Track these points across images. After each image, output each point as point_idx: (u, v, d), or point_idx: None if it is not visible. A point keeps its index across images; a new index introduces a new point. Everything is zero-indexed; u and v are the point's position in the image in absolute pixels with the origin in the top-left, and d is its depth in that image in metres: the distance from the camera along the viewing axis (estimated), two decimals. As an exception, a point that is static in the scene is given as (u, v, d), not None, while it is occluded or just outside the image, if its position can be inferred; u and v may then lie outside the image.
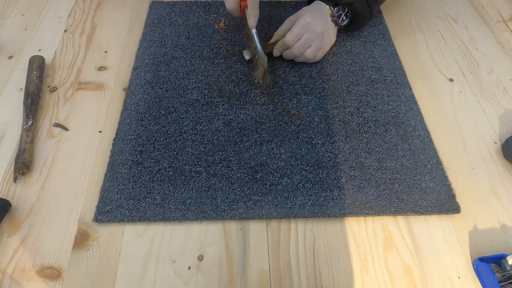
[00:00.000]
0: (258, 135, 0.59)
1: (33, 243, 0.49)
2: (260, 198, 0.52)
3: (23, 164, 0.54)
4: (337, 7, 0.67)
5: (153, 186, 0.53)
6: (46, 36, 0.74)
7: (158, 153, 0.57)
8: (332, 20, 0.67)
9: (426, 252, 0.49)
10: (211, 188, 0.53)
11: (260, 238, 0.50)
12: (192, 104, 0.62)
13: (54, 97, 0.64)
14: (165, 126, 0.60)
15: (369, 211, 0.51)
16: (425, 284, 0.46)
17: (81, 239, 0.49)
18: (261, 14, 0.62)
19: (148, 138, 0.58)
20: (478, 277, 0.47)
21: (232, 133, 0.59)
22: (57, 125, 0.61)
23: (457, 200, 0.52)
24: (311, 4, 0.68)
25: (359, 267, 0.48)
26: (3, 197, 0.51)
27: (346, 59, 0.69)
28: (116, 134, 0.59)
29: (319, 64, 0.68)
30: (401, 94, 0.64)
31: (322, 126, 0.60)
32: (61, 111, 0.62)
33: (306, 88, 0.65)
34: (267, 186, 0.53)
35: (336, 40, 0.70)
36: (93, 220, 0.50)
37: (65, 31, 0.75)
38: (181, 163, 0.55)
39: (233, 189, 0.53)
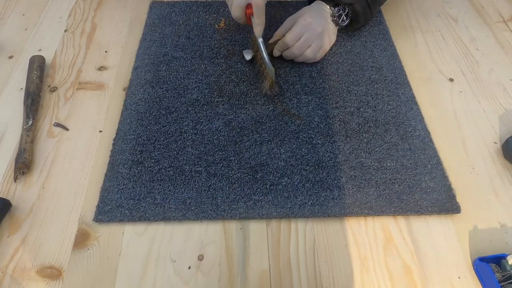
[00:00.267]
0: (258, 135, 0.59)
1: (33, 243, 0.49)
2: (260, 198, 0.52)
3: (24, 164, 0.54)
4: (337, 7, 0.67)
5: (153, 186, 0.53)
6: (46, 36, 0.74)
7: (158, 152, 0.57)
8: (332, 20, 0.67)
9: (426, 252, 0.49)
10: (211, 188, 0.53)
11: (260, 238, 0.50)
12: (192, 104, 0.62)
13: (55, 97, 0.64)
14: (165, 126, 0.60)
15: (369, 211, 0.51)
16: (425, 284, 0.46)
17: (81, 239, 0.49)
18: (266, 22, 0.62)
19: (148, 138, 0.58)
20: (478, 277, 0.47)
21: (232, 133, 0.59)
22: (58, 125, 0.61)
23: (457, 200, 0.52)
24: (311, 4, 0.68)
25: (359, 267, 0.48)
26: (4, 197, 0.51)
27: (346, 59, 0.69)
28: (116, 134, 0.59)
29: (319, 64, 0.68)
30: (401, 94, 0.64)
31: (322, 126, 0.60)
32: (62, 111, 0.62)
33: (306, 88, 0.65)
34: (267, 186, 0.53)
35: (336, 40, 0.70)
36: (93, 220, 0.50)
37: (65, 31, 0.75)
38: (181, 163, 0.55)
39: (233, 189, 0.53)
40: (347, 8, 0.67)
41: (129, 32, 0.75)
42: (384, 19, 0.77)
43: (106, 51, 0.71)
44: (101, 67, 0.69)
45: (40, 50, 0.71)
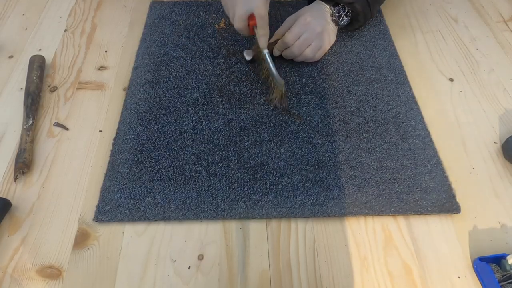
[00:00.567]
0: (258, 135, 0.59)
1: (33, 243, 0.49)
2: (260, 198, 0.52)
3: (24, 164, 0.54)
4: (337, 7, 0.67)
5: (153, 186, 0.53)
6: (46, 36, 0.74)
7: (158, 152, 0.57)
8: (332, 20, 0.67)
9: (426, 252, 0.49)
10: (211, 187, 0.53)
11: (260, 237, 0.50)
12: (192, 104, 0.62)
13: (55, 96, 0.64)
14: (165, 126, 0.60)
15: (369, 211, 0.51)
16: (425, 284, 0.46)
17: (81, 239, 0.49)
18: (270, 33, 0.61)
19: (148, 138, 0.58)
20: (478, 277, 0.47)
21: (232, 132, 0.59)
22: (58, 124, 0.61)
23: (457, 200, 0.52)
24: (311, 4, 0.68)
25: (359, 267, 0.48)
26: (4, 197, 0.51)
27: (346, 59, 0.69)
28: (116, 133, 0.59)
29: (319, 64, 0.68)
30: (401, 94, 0.64)
31: (322, 125, 0.60)
32: (62, 111, 0.62)
33: (306, 88, 0.65)
34: (267, 186, 0.53)
35: (336, 40, 0.70)
36: (93, 220, 0.50)
37: (65, 31, 0.75)
38: (181, 162, 0.55)
39: (233, 188, 0.53)
40: (347, 8, 0.67)
41: (129, 32, 0.75)
42: (384, 19, 0.77)
43: (106, 51, 0.71)
44: (101, 67, 0.69)
45: (40, 50, 0.71)
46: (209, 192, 0.53)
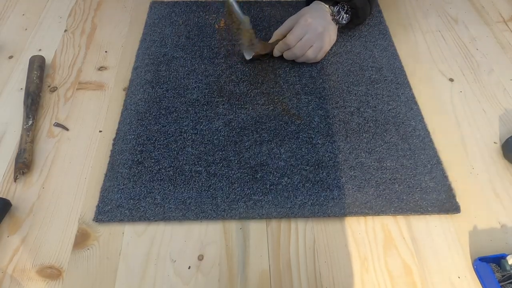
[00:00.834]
0: (258, 135, 0.59)
1: (33, 243, 0.49)
2: (260, 198, 0.52)
3: (24, 164, 0.54)
4: (336, 6, 0.67)
5: (153, 186, 0.53)
6: (46, 36, 0.74)
7: (158, 152, 0.57)
8: (332, 19, 0.67)
9: (426, 252, 0.49)
10: (211, 187, 0.53)
11: (260, 238, 0.50)
12: (192, 104, 0.62)
13: (55, 97, 0.64)
14: (165, 126, 0.60)
15: (369, 211, 0.51)
16: (425, 284, 0.46)
17: (81, 239, 0.49)
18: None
19: (148, 138, 0.58)
20: (478, 277, 0.47)
21: (232, 133, 0.59)
22: (58, 125, 0.61)
23: (457, 200, 0.52)
24: (310, 5, 0.68)
25: (359, 267, 0.48)
26: (4, 197, 0.51)
27: (346, 59, 0.69)
28: (116, 134, 0.59)
29: (319, 64, 0.68)
30: (401, 94, 0.64)
31: (322, 126, 0.60)
32: (62, 111, 0.62)
33: (306, 88, 0.65)
34: (267, 186, 0.53)
35: (336, 40, 0.70)
36: (93, 220, 0.50)
37: (65, 31, 0.75)
38: (181, 162, 0.55)
39: (233, 188, 0.53)
40: (346, 6, 0.67)
41: (129, 32, 0.75)
42: (384, 19, 0.77)
43: (106, 51, 0.71)
44: (101, 67, 0.69)
45: (40, 50, 0.71)
46: (209, 192, 0.53)
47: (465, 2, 0.82)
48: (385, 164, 0.56)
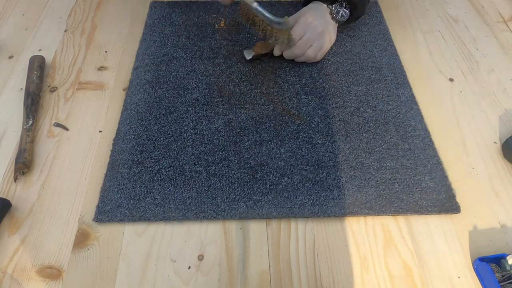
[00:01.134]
0: (258, 135, 0.59)
1: (33, 243, 0.49)
2: (260, 198, 0.52)
3: (24, 164, 0.54)
4: (334, 4, 0.67)
5: (153, 186, 0.53)
6: (46, 36, 0.74)
7: (158, 152, 0.57)
8: (332, 18, 0.67)
9: (426, 252, 0.49)
10: (211, 187, 0.53)
11: (260, 238, 0.50)
12: (192, 104, 0.62)
13: (55, 97, 0.64)
14: (165, 126, 0.60)
15: (369, 211, 0.51)
16: (425, 284, 0.46)
17: (81, 239, 0.49)
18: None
19: (148, 138, 0.58)
20: (478, 277, 0.47)
21: (232, 133, 0.59)
22: (58, 125, 0.61)
23: (457, 200, 0.52)
24: (309, 4, 0.68)
25: (359, 267, 0.48)
26: (4, 197, 0.51)
27: (346, 59, 0.69)
28: (116, 134, 0.59)
29: (319, 64, 0.68)
30: (401, 94, 0.64)
31: (322, 126, 0.60)
32: (62, 111, 0.62)
33: (306, 88, 0.65)
34: (267, 186, 0.53)
35: (336, 40, 0.70)
36: (93, 220, 0.50)
37: (65, 31, 0.75)
38: (181, 162, 0.55)
39: (233, 188, 0.53)
40: (344, 3, 0.67)
41: (129, 32, 0.75)
42: (384, 19, 0.77)
43: (106, 51, 0.71)
44: (101, 67, 0.69)
45: (40, 50, 0.71)
46: (209, 192, 0.53)
47: (465, 2, 0.82)
48: (385, 164, 0.56)
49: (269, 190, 0.53)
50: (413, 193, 0.53)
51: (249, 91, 0.64)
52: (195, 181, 0.54)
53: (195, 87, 0.65)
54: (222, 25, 0.75)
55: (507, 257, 0.45)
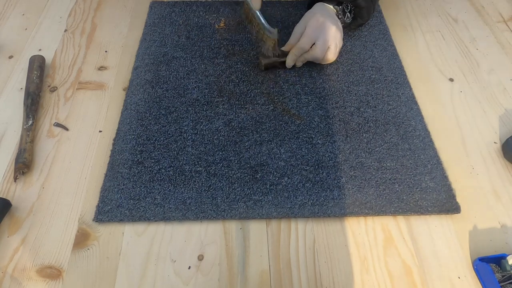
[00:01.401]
0: (258, 135, 0.59)
1: (33, 243, 0.49)
2: (260, 198, 0.52)
3: (24, 164, 0.54)
4: (340, 6, 0.67)
5: (153, 186, 0.53)
6: (46, 36, 0.74)
7: (158, 152, 0.57)
8: (339, 18, 0.67)
9: (426, 252, 0.49)
10: (211, 188, 0.53)
11: (260, 238, 0.50)
12: (192, 104, 0.62)
13: (55, 96, 0.64)
14: (165, 126, 0.60)
15: (369, 211, 0.51)
16: (425, 284, 0.46)
17: (81, 239, 0.49)
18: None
19: (148, 138, 0.58)
20: (478, 277, 0.47)
21: (232, 133, 0.59)
22: (57, 124, 0.61)
23: (457, 200, 0.52)
24: (314, 6, 0.67)
25: (359, 267, 0.48)
26: (3, 197, 0.51)
27: (346, 59, 0.69)
28: (116, 133, 0.59)
29: (319, 64, 0.68)
30: (401, 94, 0.64)
31: (322, 126, 0.60)
32: (61, 111, 0.62)
33: (306, 88, 0.65)
34: (267, 186, 0.53)
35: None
36: (93, 220, 0.50)
37: (65, 31, 0.75)
38: (181, 162, 0.55)
39: (233, 189, 0.53)
40: (349, 5, 0.67)
41: (129, 32, 0.75)
42: (384, 19, 0.77)
43: (106, 51, 0.71)
44: (101, 67, 0.69)
45: (40, 50, 0.71)
46: (209, 192, 0.53)
47: (465, 2, 0.82)
48: (385, 164, 0.56)
49: (269, 190, 0.53)
50: (413, 193, 0.53)
51: (249, 91, 0.64)
52: (195, 181, 0.54)
53: (195, 87, 0.65)
54: (222, 25, 0.75)
55: (507, 257, 0.45)
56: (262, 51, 0.66)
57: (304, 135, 0.59)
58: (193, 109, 0.62)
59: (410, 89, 0.65)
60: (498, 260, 0.46)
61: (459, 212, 0.51)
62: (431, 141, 0.58)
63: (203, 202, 0.52)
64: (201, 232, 0.50)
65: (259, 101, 0.63)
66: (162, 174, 0.54)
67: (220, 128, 0.60)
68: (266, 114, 0.61)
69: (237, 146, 0.57)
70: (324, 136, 0.59)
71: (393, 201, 0.52)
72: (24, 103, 0.61)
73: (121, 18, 0.77)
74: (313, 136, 0.59)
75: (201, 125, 0.60)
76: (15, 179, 0.54)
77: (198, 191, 0.53)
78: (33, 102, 0.61)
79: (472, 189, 0.54)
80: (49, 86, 0.66)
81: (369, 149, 0.57)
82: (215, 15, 0.77)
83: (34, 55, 0.67)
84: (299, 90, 0.64)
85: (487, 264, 0.47)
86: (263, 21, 0.63)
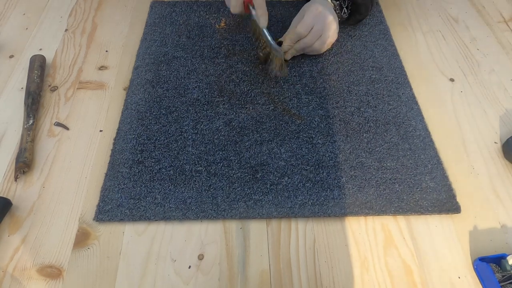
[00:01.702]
0: (258, 135, 0.59)
1: (33, 242, 0.49)
2: (260, 198, 0.52)
3: (24, 163, 0.54)
4: (337, 1, 0.67)
5: (153, 186, 0.53)
6: (47, 36, 0.74)
7: (159, 152, 0.57)
8: (337, 13, 0.67)
9: (426, 252, 0.49)
10: (211, 187, 0.53)
11: (260, 237, 0.50)
12: (193, 104, 0.62)
13: (55, 96, 0.64)
14: (166, 126, 0.60)
15: (369, 211, 0.51)
16: (425, 284, 0.46)
17: (82, 238, 0.49)
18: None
19: (148, 138, 0.58)
20: (478, 277, 0.47)
21: (233, 132, 0.59)
22: (58, 124, 0.61)
23: (457, 200, 0.52)
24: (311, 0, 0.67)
25: (359, 267, 0.48)
26: (4, 196, 0.51)
27: (346, 59, 0.69)
28: (117, 133, 0.59)
29: (320, 64, 0.68)
30: (402, 94, 0.64)
31: (322, 125, 0.60)
32: (62, 110, 0.62)
33: (307, 88, 0.65)
34: (268, 186, 0.53)
35: (337, 40, 0.70)
36: (93, 219, 0.50)
37: (66, 30, 0.75)
38: (181, 162, 0.56)
39: (233, 188, 0.53)
40: (347, 1, 0.67)
41: (130, 32, 0.75)
42: (385, 19, 0.77)
43: (106, 51, 0.71)
44: (102, 66, 0.69)
45: (40, 49, 0.71)
46: (210, 192, 0.53)
47: (465, 2, 0.82)
48: (385, 164, 0.56)
49: (269, 189, 0.53)
50: (414, 193, 0.53)
51: (249, 90, 0.64)
52: (195, 180, 0.54)
53: (196, 87, 0.65)
54: (222, 24, 0.75)
55: (507, 257, 0.45)
56: (269, 67, 0.64)
57: (305, 135, 0.59)
58: (193, 109, 0.62)
59: (411, 89, 0.65)
60: (498, 260, 0.46)
61: (459, 212, 0.51)
62: (431, 141, 0.58)
63: (204, 201, 0.52)
64: (201, 232, 0.50)
65: (259, 101, 0.63)
66: (163, 173, 0.54)
67: (220, 127, 0.60)
68: (267, 114, 0.61)
69: (237, 145, 0.57)
70: (324, 136, 0.59)
71: (393, 201, 0.52)
72: (24, 103, 0.61)
73: (121, 18, 0.77)
74: (314, 136, 0.59)
75: (201, 125, 0.60)
76: (16, 178, 0.54)
77: (198, 190, 0.53)
78: (33, 102, 0.61)
79: (473, 189, 0.54)
80: (49, 85, 0.66)
81: (369, 149, 0.57)
82: (215, 15, 0.77)
83: (34, 55, 0.67)
84: (300, 90, 0.64)
85: (487, 264, 0.47)
86: (270, 39, 0.62)
